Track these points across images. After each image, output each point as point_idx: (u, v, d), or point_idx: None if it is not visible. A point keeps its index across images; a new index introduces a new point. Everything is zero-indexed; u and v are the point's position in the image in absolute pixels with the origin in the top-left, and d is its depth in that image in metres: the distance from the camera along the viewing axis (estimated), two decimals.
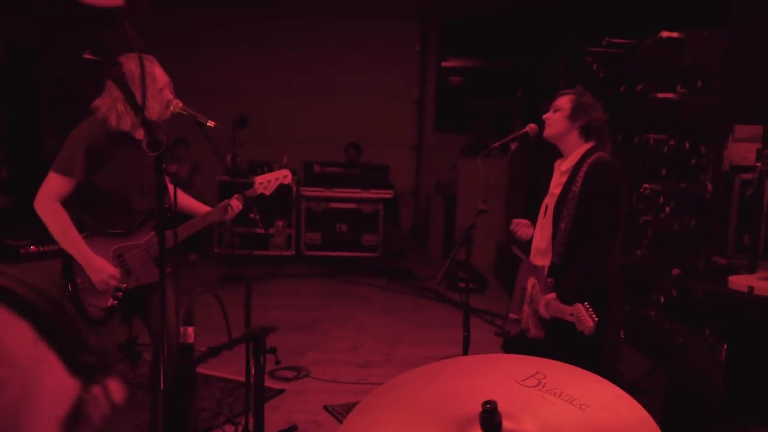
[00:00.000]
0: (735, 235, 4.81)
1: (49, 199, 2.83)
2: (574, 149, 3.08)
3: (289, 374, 4.69)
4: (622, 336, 3.80)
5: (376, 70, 9.47)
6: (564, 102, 3.10)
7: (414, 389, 1.56)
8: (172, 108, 2.98)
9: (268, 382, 4.42)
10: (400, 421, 1.44)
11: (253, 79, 9.30)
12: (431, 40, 9.83)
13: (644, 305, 4.42)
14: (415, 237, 9.51)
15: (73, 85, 8.80)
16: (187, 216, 3.24)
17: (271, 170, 3.56)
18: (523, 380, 1.49)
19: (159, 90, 2.93)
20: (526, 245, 3.42)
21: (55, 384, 0.55)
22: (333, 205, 7.91)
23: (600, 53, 5.39)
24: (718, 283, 4.24)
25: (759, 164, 4.29)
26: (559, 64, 7.89)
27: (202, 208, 3.29)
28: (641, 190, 4.74)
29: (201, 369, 4.10)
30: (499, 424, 1.32)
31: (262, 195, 3.32)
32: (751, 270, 4.30)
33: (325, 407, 4.19)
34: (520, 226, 3.26)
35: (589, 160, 3.00)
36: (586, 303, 2.73)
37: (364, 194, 7.90)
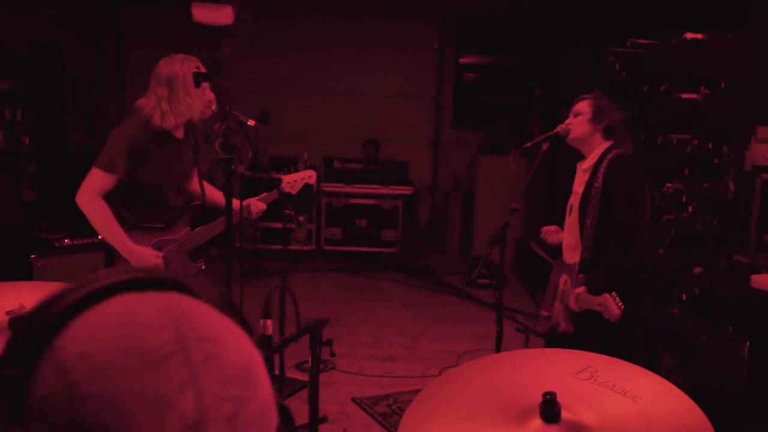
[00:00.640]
0: (756, 235, 4.87)
1: (92, 194, 2.94)
2: (596, 149, 3.17)
3: None
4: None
5: (394, 67, 9.54)
6: (584, 106, 3.19)
7: (470, 381, 1.65)
8: (213, 107, 3.09)
9: (296, 375, 4.53)
10: (460, 411, 1.53)
11: (272, 76, 9.39)
12: (449, 37, 9.89)
13: (667, 303, 4.49)
14: (432, 233, 9.60)
15: (93, 81, 8.93)
16: (216, 210, 3.37)
17: (296, 170, 3.67)
18: (576, 373, 1.57)
19: (202, 90, 3.04)
20: (548, 246, 3.52)
21: None
22: (353, 200, 8.01)
23: (623, 53, 5.45)
24: (740, 281, 4.31)
25: None
26: (576, 62, 7.95)
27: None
28: (664, 190, 4.80)
29: None
30: (559, 413, 1.41)
31: (289, 194, 3.44)
32: None
33: (353, 399, 4.29)
34: (550, 234, 3.37)
35: (608, 157, 3.09)
36: (613, 293, 2.82)
37: (384, 190, 8.00)
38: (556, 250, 3.54)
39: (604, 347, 1.96)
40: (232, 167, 2.47)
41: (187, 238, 3.18)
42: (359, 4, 9.00)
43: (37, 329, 0.57)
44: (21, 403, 0.54)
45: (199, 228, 3.26)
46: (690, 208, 4.83)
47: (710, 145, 4.82)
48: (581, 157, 3.28)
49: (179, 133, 3.11)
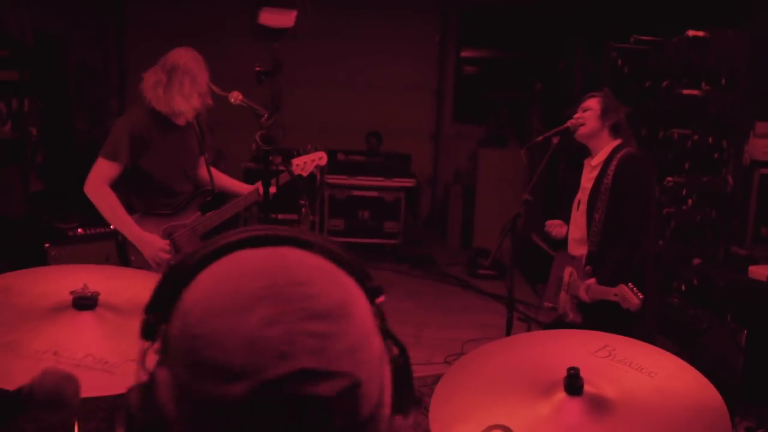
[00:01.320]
0: (754, 227, 5.01)
1: (99, 183, 3.05)
2: (604, 146, 3.28)
3: None
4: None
5: (395, 60, 9.61)
6: (593, 103, 3.30)
7: (495, 359, 1.76)
8: (232, 100, 3.20)
9: None
10: (488, 385, 1.64)
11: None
12: (450, 31, 9.96)
13: (667, 293, 4.61)
14: (432, 226, 9.70)
15: (95, 72, 8.98)
16: (226, 195, 3.47)
17: (306, 152, 3.72)
18: (595, 352, 1.69)
19: (197, 90, 3.16)
20: (550, 238, 3.64)
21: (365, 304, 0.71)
22: (356, 192, 8.10)
23: (625, 49, 5.55)
24: (737, 272, 4.45)
25: None
26: (576, 58, 8.04)
27: (239, 185, 3.54)
28: (665, 183, 4.92)
29: None
30: (582, 387, 1.52)
31: (299, 176, 3.51)
32: None
33: None
34: (554, 227, 3.48)
35: (618, 155, 3.19)
36: (630, 283, 2.93)
37: (387, 182, 8.09)
38: (557, 243, 3.66)
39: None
40: (270, 158, 2.57)
41: (198, 222, 3.29)
42: None
43: (171, 283, 0.69)
44: (163, 344, 0.65)
45: (209, 213, 3.35)
46: (690, 202, 4.95)
47: (710, 140, 4.93)
48: (586, 152, 3.39)
49: (180, 120, 3.22)
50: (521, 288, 6.75)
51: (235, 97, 3.18)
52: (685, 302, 4.49)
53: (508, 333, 3.28)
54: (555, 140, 3.34)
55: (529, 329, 5.04)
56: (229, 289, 0.64)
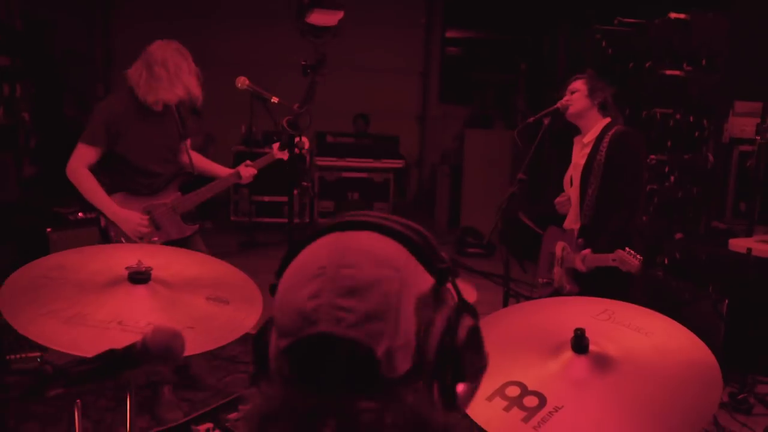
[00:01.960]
0: (733, 202, 5.22)
1: (78, 166, 3.26)
2: (594, 124, 3.42)
3: None
4: None
5: (382, 43, 9.69)
6: (579, 84, 3.44)
7: (504, 323, 1.92)
8: (239, 85, 3.33)
9: None
10: (499, 346, 1.80)
11: (263, 51, 9.50)
12: (436, 13, 10.05)
13: (651, 266, 4.81)
14: (420, 206, 9.85)
15: (82, 57, 8.99)
16: (207, 178, 3.64)
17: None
18: (596, 315, 1.85)
19: (178, 81, 3.29)
20: (534, 215, 3.80)
21: (420, 282, 0.87)
22: (345, 174, 8.23)
23: (609, 31, 5.71)
24: (718, 245, 4.66)
25: (758, 138, 4.67)
26: (559, 39, 8.18)
27: (219, 169, 3.69)
28: (648, 161, 5.10)
29: None
30: (587, 346, 1.68)
31: (281, 160, 3.64)
32: (748, 234, 4.70)
33: None
34: (563, 204, 3.59)
35: (610, 132, 3.34)
36: (626, 248, 3.07)
37: (376, 164, 8.22)
38: (543, 220, 3.82)
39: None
40: (296, 140, 2.76)
41: (178, 202, 3.48)
42: None
43: (289, 256, 0.88)
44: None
45: (189, 193, 3.54)
46: (672, 178, 5.15)
47: (691, 119, 5.13)
48: (574, 131, 3.54)
49: (158, 107, 3.39)
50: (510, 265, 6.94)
51: (242, 82, 3.31)
52: (669, 275, 4.69)
53: (505, 305, 3.44)
54: (546, 121, 3.48)
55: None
56: (300, 269, 0.84)
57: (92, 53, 9.43)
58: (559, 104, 3.47)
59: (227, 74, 8.77)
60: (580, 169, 3.42)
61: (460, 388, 0.85)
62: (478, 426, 1.52)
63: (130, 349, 0.91)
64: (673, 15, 4.97)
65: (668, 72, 5.01)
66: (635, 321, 1.81)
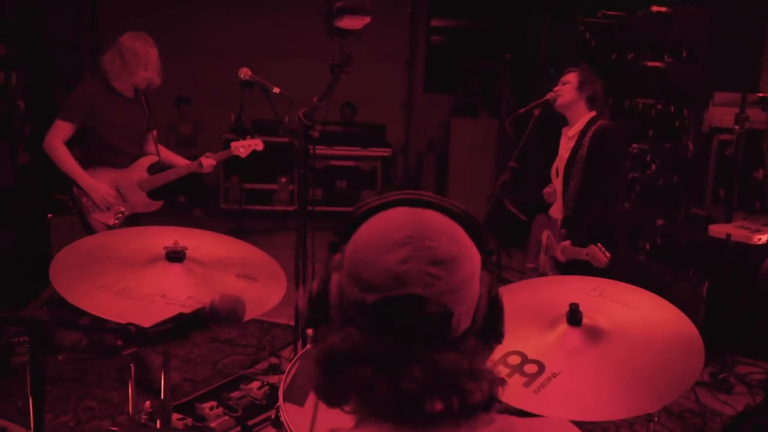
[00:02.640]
0: (712, 190, 5.42)
1: (53, 139, 3.65)
2: (580, 117, 3.55)
3: None
4: None
5: (368, 32, 9.78)
6: (571, 77, 3.58)
7: (504, 300, 2.07)
8: (242, 76, 3.47)
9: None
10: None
11: (250, 40, 9.56)
12: (421, 2, 10.17)
13: (633, 251, 5.00)
14: None
15: (70, 44, 9.00)
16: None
17: (245, 139, 4.10)
18: (588, 292, 2.01)
19: (144, 68, 3.65)
20: (518, 203, 3.95)
21: (476, 259, 1.00)
22: (333, 162, 8.34)
23: (593, 23, 5.86)
24: (698, 231, 4.85)
25: (737, 127, 4.86)
26: (542, 28, 8.34)
27: (182, 161, 3.97)
28: (630, 149, 5.27)
29: None
30: (581, 319, 1.84)
31: (237, 156, 4.00)
32: (727, 220, 4.89)
33: None
34: (550, 195, 3.75)
35: (593, 127, 3.47)
36: (598, 243, 3.25)
37: (364, 152, 8.33)
38: (529, 208, 3.97)
39: None
40: (310, 132, 2.94)
41: (145, 180, 3.79)
42: None
43: (353, 220, 1.02)
44: (341, 257, 1.01)
45: (156, 174, 3.85)
46: (653, 166, 5.32)
47: (672, 109, 5.30)
48: (563, 122, 3.69)
49: (129, 93, 3.76)
50: (496, 251, 7.12)
51: (245, 73, 3.43)
52: (650, 259, 4.88)
53: None
54: (536, 112, 3.62)
55: None
56: (384, 235, 0.97)
57: (80, 41, 9.44)
58: (548, 96, 3.61)
59: (216, 62, 8.87)
60: (564, 161, 3.56)
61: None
62: None
63: (198, 313, 1.04)
64: (654, 8, 5.13)
65: (650, 63, 5.17)
66: (624, 297, 1.97)
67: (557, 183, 3.66)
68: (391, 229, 0.97)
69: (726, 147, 5.23)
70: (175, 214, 5.95)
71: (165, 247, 1.86)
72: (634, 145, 5.32)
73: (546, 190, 3.78)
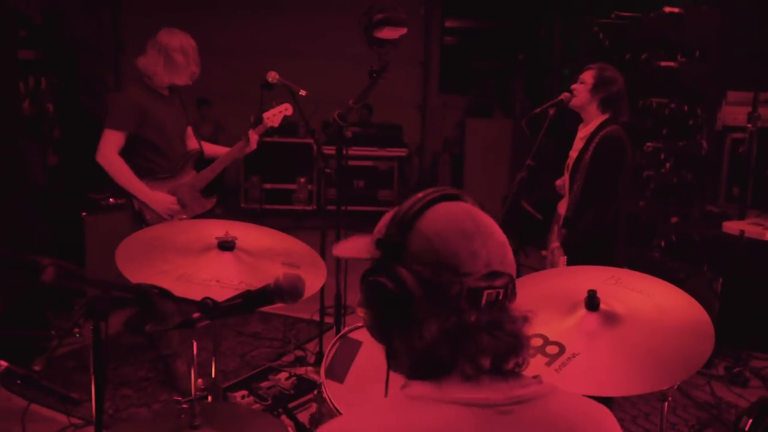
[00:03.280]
0: (726, 187, 5.52)
1: (109, 152, 3.47)
2: (593, 119, 3.59)
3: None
4: None
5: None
6: (587, 76, 3.61)
7: (527, 286, 2.20)
8: (270, 79, 3.61)
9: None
10: (525, 306, 2.08)
11: (268, 42, 9.71)
12: (434, 3, 10.29)
13: (648, 248, 5.10)
14: None
15: (94, 47, 9.19)
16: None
17: (272, 107, 4.08)
18: (605, 280, 2.14)
19: (187, 65, 3.59)
20: (535, 202, 4.04)
21: None
22: (351, 162, 8.47)
23: (607, 24, 5.96)
24: (712, 228, 4.95)
25: (749, 125, 4.95)
26: (555, 28, 8.44)
27: (225, 149, 3.95)
28: (644, 148, 5.37)
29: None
30: (599, 304, 1.97)
31: (272, 127, 3.96)
32: (741, 217, 4.99)
33: None
34: (562, 188, 3.84)
35: (601, 133, 3.47)
36: (565, 258, 3.38)
37: (381, 152, 8.48)
38: (540, 206, 4.06)
39: None
40: (343, 133, 3.08)
41: (195, 179, 3.75)
42: None
43: (405, 219, 1.14)
44: (399, 257, 1.11)
45: (203, 170, 3.81)
46: (667, 165, 5.42)
47: (685, 108, 5.39)
48: (580, 120, 3.76)
49: (165, 92, 3.68)
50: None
51: (273, 77, 3.58)
52: (665, 256, 4.98)
53: None
54: (551, 112, 3.70)
55: None
56: (455, 225, 1.11)
57: (102, 44, 9.63)
58: (563, 96, 3.68)
59: (236, 64, 9.02)
60: (573, 161, 3.63)
61: None
62: None
63: (264, 290, 1.18)
64: (667, 9, 5.23)
65: (663, 63, 5.26)
66: (638, 285, 2.10)
67: (567, 178, 3.73)
68: (459, 221, 1.11)
69: (739, 145, 5.32)
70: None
71: (217, 237, 2.01)
72: (648, 144, 5.42)
73: (557, 182, 3.86)
